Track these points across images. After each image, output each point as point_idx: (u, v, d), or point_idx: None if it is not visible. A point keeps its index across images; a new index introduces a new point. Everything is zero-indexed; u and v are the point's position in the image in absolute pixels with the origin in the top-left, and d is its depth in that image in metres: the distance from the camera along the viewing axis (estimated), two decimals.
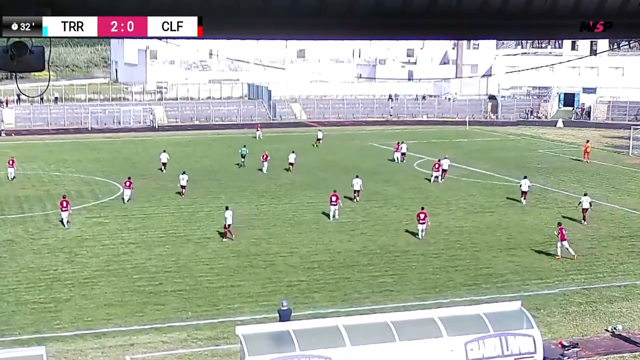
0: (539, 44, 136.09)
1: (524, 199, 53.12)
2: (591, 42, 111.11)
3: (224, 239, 43.23)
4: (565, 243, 40.15)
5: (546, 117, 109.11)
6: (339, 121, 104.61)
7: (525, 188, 53.15)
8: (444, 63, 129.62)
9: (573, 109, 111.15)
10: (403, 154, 71.53)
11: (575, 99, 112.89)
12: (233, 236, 43.26)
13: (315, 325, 25.40)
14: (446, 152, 73.71)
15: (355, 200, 53.19)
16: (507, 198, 54.92)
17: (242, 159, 67.10)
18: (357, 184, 53.68)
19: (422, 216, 43.90)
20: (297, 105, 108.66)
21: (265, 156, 64.87)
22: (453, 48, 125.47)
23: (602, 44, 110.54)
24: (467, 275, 37.64)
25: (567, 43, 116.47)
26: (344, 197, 51.43)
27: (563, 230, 40.34)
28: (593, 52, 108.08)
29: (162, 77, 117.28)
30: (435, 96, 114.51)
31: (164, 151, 67.16)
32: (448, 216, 49.32)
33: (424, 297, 34.25)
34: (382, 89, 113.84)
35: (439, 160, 61.99)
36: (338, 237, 44.16)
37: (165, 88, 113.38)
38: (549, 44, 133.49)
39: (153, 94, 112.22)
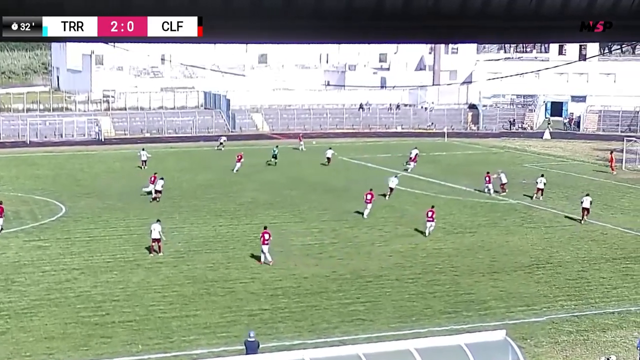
0: (523, 48, 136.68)
1: (536, 194, 60.71)
2: (580, 46, 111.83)
3: (151, 253, 44.56)
4: (265, 248, 42.77)
5: (532, 128, 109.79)
6: (305, 133, 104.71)
7: (541, 185, 60.76)
8: (420, 69, 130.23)
9: (549, 119, 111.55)
10: (413, 158, 76.47)
11: (563, 108, 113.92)
12: (160, 253, 44.41)
13: (279, 359, 25.32)
14: (424, 167, 74.05)
15: (386, 197, 59.12)
16: (523, 195, 55.81)
17: (274, 159, 76.31)
18: (393, 182, 60.27)
19: (430, 214, 49.04)
20: (259, 115, 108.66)
21: (239, 156, 72.90)
22: (430, 53, 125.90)
23: (592, 48, 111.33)
24: (447, 302, 37.75)
25: (554, 47, 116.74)
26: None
27: (266, 235, 42.83)
28: (582, 57, 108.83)
29: (109, 85, 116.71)
30: (410, 105, 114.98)
31: (143, 149, 76.49)
32: (425, 237, 49.45)
33: (400, 326, 34.31)
34: (352, 97, 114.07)
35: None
36: (304, 261, 44.12)
37: (112, 97, 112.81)
38: (534, 48, 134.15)
39: (99, 103, 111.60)
